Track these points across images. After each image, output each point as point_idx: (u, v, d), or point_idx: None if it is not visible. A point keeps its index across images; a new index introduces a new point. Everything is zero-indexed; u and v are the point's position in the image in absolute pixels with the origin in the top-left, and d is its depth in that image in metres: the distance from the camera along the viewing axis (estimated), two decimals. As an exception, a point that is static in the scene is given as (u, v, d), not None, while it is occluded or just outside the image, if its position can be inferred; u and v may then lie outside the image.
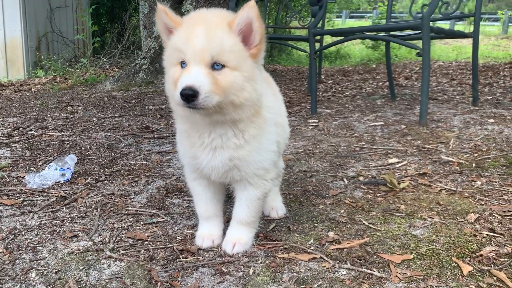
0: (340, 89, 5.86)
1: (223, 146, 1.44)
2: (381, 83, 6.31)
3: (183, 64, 1.31)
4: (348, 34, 3.99)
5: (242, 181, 1.55)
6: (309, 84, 5.43)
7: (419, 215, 1.82)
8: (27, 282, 1.41)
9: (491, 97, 4.68)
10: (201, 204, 1.66)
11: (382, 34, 4.18)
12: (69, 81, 6.98)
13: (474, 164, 2.42)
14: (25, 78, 8.18)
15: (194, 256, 1.56)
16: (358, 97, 5.11)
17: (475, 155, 2.59)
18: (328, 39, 6.25)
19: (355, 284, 1.35)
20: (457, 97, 4.85)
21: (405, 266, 1.44)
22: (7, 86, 6.98)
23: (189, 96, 1.22)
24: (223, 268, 1.48)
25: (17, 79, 8.08)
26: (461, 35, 4.02)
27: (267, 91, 1.53)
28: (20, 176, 2.47)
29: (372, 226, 1.73)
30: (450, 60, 9.91)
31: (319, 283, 1.36)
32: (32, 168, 2.62)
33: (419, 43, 3.46)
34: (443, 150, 2.72)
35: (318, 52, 4.10)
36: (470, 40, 4.02)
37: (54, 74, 7.78)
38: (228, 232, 1.65)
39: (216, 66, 1.28)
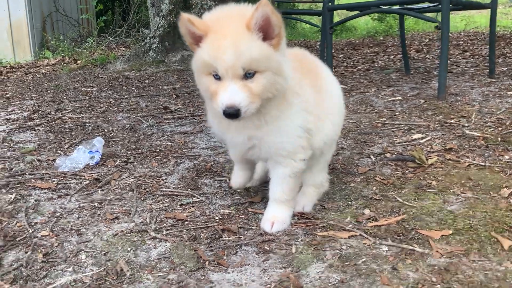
0: (352, 63, 5.82)
1: (244, 125, 1.50)
2: (392, 56, 6.26)
3: (215, 75, 1.37)
4: (364, 8, 3.94)
5: (270, 159, 1.60)
6: (321, 59, 5.40)
7: (451, 190, 1.85)
8: (79, 264, 1.46)
9: (506, 68, 4.65)
10: (234, 171, 1.88)
11: (397, 7, 4.13)
12: (78, 61, 6.96)
13: (499, 138, 2.43)
14: (33, 60, 8.15)
15: (236, 235, 1.61)
16: (371, 71, 5.08)
17: (499, 129, 2.60)
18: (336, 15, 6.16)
19: (398, 260, 1.39)
20: (472, 69, 4.81)
21: (445, 241, 1.48)
22: (16, 68, 6.97)
23: (233, 115, 1.34)
24: (265, 247, 1.52)
25: (25, 60, 8.06)
26: (479, 6, 3.96)
27: (295, 76, 1.53)
28: (49, 160, 2.51)
29: (406, 203, 1.76)
30: (459, 30, 9.78)
31: (362, 259, 1.40)
32: (60, 151, 2.66)
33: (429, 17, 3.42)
34: (466, 125, 2.73)
35: (333, 27, 4.06)
36: (479, 10, 3.96)
37: (62, 54, 7.75)
38: (266, 211, 1.69)
39: (248, 74, 1.35)
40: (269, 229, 1.62)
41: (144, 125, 3.20)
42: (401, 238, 1.52)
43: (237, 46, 1.31)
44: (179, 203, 1.89)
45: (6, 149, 2.74)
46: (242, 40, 1.32)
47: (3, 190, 2.06)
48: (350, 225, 1.62)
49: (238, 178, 1.87)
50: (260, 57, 1.33)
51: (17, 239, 1.61)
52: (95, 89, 4.77)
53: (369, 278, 1.31)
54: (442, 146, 2.40)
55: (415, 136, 2.61)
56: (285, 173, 1.60)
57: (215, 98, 1.37)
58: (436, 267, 1.34)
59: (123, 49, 8.25)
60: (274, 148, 1.54)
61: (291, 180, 1.62)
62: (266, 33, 1.35)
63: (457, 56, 5.87)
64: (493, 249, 1.42)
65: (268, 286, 1.29)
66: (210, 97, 1.42)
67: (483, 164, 2.11)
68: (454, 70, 4.77)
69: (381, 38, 9.10)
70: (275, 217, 1.65)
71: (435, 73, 4.54)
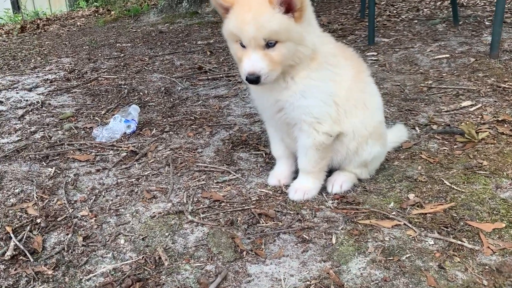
0: (395, 11, 5.45)
1: (271, 89, 1.56)
2: (439, 3, 5.81)
3: (241, 43, 1.46)
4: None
5: (295, 127, 1.62)
6: (362, 8, 5.08)
7: (505, 173, 1.72)
8: (118, 250, 1.47)
9: None
10: (272, 143, 1.85)
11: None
12: (112, 12, 6.87)
13: (560, 108, 2.23)
14: (68, 10, 8.11)
15: (273, 221, 1.57)
16: (416, 21, 4.74)
17: (560, 96, 2.38)
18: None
19: (446, 256, 1.32)
20: (530, 18, 4.40)
21: (497, 235, 1.39)
22: (52, 20, 6.97)
23: (253, 81, 1.45)
24: (304, 235, 1.48)
25: (60, 11, 8.04)
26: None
27: (334, 51, 1.59)
28: (86, 127, 2.52)
29: (454, 187, 1.66)
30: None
31: (407, 255, 1.34)
32: (97, 118, 2.66)
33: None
34: (522, 90, 2.52)
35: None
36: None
37: (96, 4, 7.67)
38: (294, 180, 1.76)
39: (269, 43, 1.43)
40: (292, 196, 1.70)
41: (179, 88, 3.15)
42: (449, 230, 1.44)
43: (258, 19, 1.38)
44: (215, 181, 1.86)
45: (45, 115, 2.77)
46: (263, 13, 1.39)
47: (43, 163, 2.09)
48: (394, 213, 1.55)
49: (279, 172, 1.84)
50: (280, 29, 1.40)
51: (58, 220, 1.64)
52: (129, 44, 4.71)
53: (414, 278, 1.25)
54: (495, 117, 2.22)
55: (464, 104, 2.44)
56: (307, 143, 1.63)
57: (240, 64, 1.49)
58: (487, 267, 1.26)
59: (156, -3, 8.06)
60: (299, 112, 1.56)
61: (314, 152, 1.64)
62: (288, 6, 1.40)
63: (513, 2, 5.37)
64: (551, 247, 1.33)
65: (308, 283, 1.26)
66: (238, 62, 1.53)
67: (541, 140, 1.94)
68: (509, 20, 4.38)
69: (428, -20, 8.44)
70: (300, 185, 1.71)
71: (487, 23, 4.18)
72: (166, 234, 1.53)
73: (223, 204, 1.69)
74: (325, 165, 1.71)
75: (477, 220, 1.46)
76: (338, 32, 4.50)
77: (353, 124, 1.64)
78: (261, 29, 1.39)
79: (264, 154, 2.07)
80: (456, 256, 1.32)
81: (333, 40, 1.64)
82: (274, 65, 1.45)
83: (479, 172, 1.75)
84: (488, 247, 1.33)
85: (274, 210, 1.62)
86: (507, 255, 1.31)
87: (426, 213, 1.52)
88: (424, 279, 1.24)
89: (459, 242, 1.37)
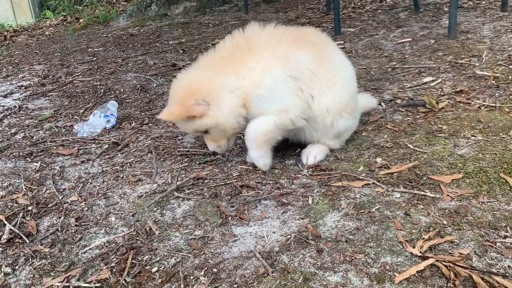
0: (359, 3, 5.66)
1: None
2: (401, -6, 6.05)
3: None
4: None
5: None
6: (328, 1, 5.26)
7: (462, 134, 1.88)
8: (110, 226, 1.56)
9: (520, 0, 4.49)
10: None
11: None
12: (81, 20, 6.88)
13: (510, 77, 2.42)
14: (34, 21, 8.05)
15: (254, 190, 1.68)
16: (380, 11, 4.95)
17: (511, 67, 2.58)
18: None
19: (411, 205, 1.46)
20: (483, 2, 4.66)
21: (455, 185, 1.54)
22: (20, 31, 6.92)
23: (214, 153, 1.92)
24: (283, 200, 1.60)
25: (26, 22, 7.97)
26: None
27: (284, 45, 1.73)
28: (67, 126, 2.58)
29: (417, 149, 1.81)
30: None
31: (376, 207, 1.48)
32: (76, 117, 2.72)
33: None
34: (477, 64, 2.71)
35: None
36: None
37: (63, 14, 7.65)
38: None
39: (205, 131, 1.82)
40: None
41: (155, 84, 3.23)
42: (413, 184, 1.58)
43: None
44: (197, 163, 1.96)
45: (23, 118, 2.81)
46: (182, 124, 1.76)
47: (28, 159, 2.15)
48: (363, 174, 1.69)
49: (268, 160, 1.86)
50: (198, 128, 1.73)
51: (49, 206, 1.72)
52: (101, 49, 4.76)
53: (383, 224, 1.38)
54: (453, 89, 2.40)
55: (425, 80, 2.61)
56: (269, 118, 1.70)
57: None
58: (447, 211, 1.41)
59: (124, 3, 8.08)
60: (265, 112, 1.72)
61: (271, 123, 1.70)
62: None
63: (468, -11, 5.66)
64: (501, 189, 1.48)
65: (288, 236, 1.38)
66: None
67: (493, 105, 2.12)
68: (465, 5, 4.63)
69: (389, -27, 8.73)
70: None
71: (446, 9, 4.41)
72: (155, 209, 1.62)
73: (206, 181, 1.80)
74: (269, 141, 1.75)
75: (438, 174, 1.62)
76: (305, 25, 4.65)
77: (326, 104, 1.74)
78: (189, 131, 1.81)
79: (242, 136, 2.18)
80: (419, 204, 1.46)
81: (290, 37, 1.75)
82: (217, 142, 1.78)
83: (439, 135, 1.91)
84: (448, 195, 1.48)
85: (255, 181, 1.74)
86: (463, 200, 1.46)
87: (392, 173, 1.67)
88: (392, 225, 1.38)
89: (422, 193, 1.51)
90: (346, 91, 1.80)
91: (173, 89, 1.77)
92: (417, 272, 1.17)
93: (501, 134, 1.84)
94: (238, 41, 1.74)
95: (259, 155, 1.77)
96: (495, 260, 1.19)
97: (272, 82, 1.66)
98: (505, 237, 1.26)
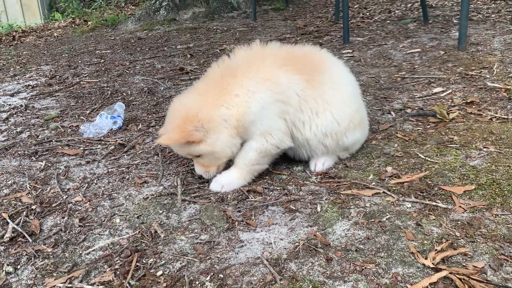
0: (368, 13, 5.66)
1: None
2: (409, 5, 6.05)
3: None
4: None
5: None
6: (337, 11, 5.26)
7: (473, 145, 1.85)
8: (114, 227, 1.53)
9: (530, 14, 4.47)
10: None
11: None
12: (89, 23, 6.90)
13: (522, 90, 2.39)
14: (43, 22, 8.09)
15: (262, 196, 1.66)
16: (389, 21, 4.94)
17: (522, 79, 2.55)
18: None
19: (422, 216, 1.43)
20: (493, 15, 4.64)
21: (468, 196, 1.51)
22: (28, 32, 6.95)
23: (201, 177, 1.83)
24: (291, 206, 1.57)
25: (35, 23, 8.01)
26: None
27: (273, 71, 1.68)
28: (73, 126, 2.57)
29: (428, 159, 1.78)
30: (480, -27, 9.33)
31: (387, 216, 1.44)
32: (82, 117, 2.71)
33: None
34: (488, 76, 2.69)
35: (349, -22, 3.92)
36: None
37: (72, 16, 7.68)
38: (222, 173, 1.78)
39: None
40: (211, 185, 1.75)
41: (162, 88, 3.22)
42: (424, 194, 1.55)
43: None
44: (204, 166, 1.93)
45: (30, 117, 2.80)
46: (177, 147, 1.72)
47: (33, 158, 2.14)
48: (373, 183, 1.66)
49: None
50: (193, 152, 1.68)
51: (53, 205, 1.69)
52: (109, 51, 4.76)
53: (394, 234, 1.35)
54: (463, 100, 2.37)
55: (435, 90, 2.58)
56: (253, 146, 1.70)
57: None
58: (459, 222, 1.38)
59: (133, 7, 8.12)
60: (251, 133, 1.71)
61: (255, 154, 1.70)
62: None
63: (478, 2, 5.65)
64: (516, 203, 1.45)
65: (297, 244, 1.35)
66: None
67: (505, 117, 2.09)
68: (475, 18, 4.61)
69: (397, -15, 8.74)
70: (223, 178, 1.75)
71: (455, 21, 4.40)
72: (160, 212, 1.60)
73: (212, 185, 1.77)
74: (257, 170, 1.75)
75: (450, 185, 1.58)
76: (314, 33, 4.65)
77: (320, 126, 1.71)
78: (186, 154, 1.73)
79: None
80: (431, 215, 1.43)
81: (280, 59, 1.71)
82: (207, 168, 1.74)
83: (451, 145, 1.88)
84: (460, 206, 1.45)
85: (262, 187, 1.71)
86: (476, 212, 1.42)
87: (403, 182, 1.64)
88: (403, 235, 1.34)
89: (434, 204, 1.48)
90: (347, 109, 1.75)
91: (171, 113, 1.72)
92: (430, 284, 1.13)
93: (514, 147, 1.81)
94: (228, 64, 1.74)
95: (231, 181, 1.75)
96: (511, 274, 1.16)
97: (259, 107, 1.64)
98: (520, 251, 1.23)
